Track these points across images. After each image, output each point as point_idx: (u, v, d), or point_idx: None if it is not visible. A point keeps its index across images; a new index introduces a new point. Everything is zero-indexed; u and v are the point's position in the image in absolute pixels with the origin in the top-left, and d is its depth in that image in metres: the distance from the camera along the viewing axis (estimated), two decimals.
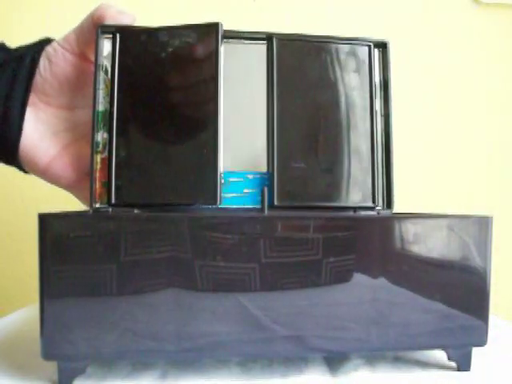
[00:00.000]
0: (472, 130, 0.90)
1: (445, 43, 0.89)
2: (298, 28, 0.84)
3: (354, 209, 0.46)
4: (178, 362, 0.38)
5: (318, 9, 0.86)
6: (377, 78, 0.49)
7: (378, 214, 0.47)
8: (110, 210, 0.42)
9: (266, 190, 0.41)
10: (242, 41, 0.46)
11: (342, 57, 0.47)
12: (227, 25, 0.44)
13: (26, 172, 0.47)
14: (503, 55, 0.90)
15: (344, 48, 0.47)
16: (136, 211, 0.42)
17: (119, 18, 0.43)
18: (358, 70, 0.47)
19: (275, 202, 0.44)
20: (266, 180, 0.45)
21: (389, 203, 0.47)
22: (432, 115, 0.89)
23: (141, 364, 0.37)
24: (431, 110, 0.89)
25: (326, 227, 0.35)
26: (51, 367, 0.35)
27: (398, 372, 0.37)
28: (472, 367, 0.38)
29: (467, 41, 0.89)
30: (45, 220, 0.32)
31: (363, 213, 0.47)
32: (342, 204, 0.45)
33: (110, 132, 0.42)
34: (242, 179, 0.45)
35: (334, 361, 0.39)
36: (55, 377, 0.34)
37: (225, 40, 0.44)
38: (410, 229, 0.36)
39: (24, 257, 0.79)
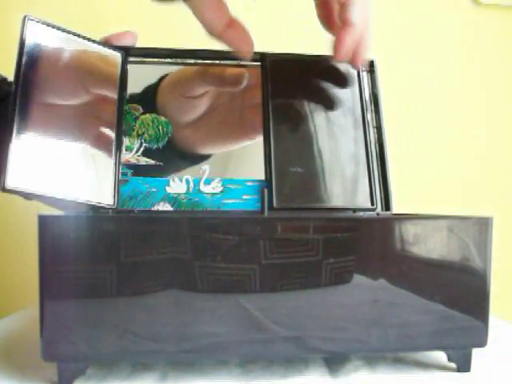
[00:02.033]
0: (472, 129, 0.90)
1: (445, 43, 0.89)
2: (298, 27, 0.84)
3: (354, 210, 0.47)
4: (178, 362, 0.38)
5: None
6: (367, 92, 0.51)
7: (378, 214, 0.47)
8: (110, 211, 0.42)
9: (265, 191, 0.42)
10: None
11: (333, 72, 0.50)
12: None
13: None
14: (503, 55, 0.90)
15: (334, 65, 0.49)
16: (136, 212, 0.42)
17: (121, 37, 0.46)
18: (348, 85, 0.50)
19: (274, 205, 0.44)
20: (265, 186, 0.46)
21: (387, 208, 0.48)
22: (432, 115, 0.89)
23: (141, 365, 0.37)
24: (431, 110, 0.89)
25: (325, 228, 0.35)
26: (51, 368, 0.35)
27: (398, 373, 0.37)
28: (472, 368, 0.38)
29: (467, 41, 0.89)
30: (45, 221, 0.32)
31: (363, 214, 0.47)
32: (342, 205, 0.46)
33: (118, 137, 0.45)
34: (241, 186, 0.46)
35: (334, 362, 0.39)
36: (55, 378, 0.33)
37: (218, 61, 0.49)
38: (409, 230, 0.36)
39: (24, 257, 0.79)
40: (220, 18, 0.38)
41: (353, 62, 0.43)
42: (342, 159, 0.48)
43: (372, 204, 0.47)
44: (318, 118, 0.48)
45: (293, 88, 0.48)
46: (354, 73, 0.50)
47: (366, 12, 0.42)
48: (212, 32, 0.39)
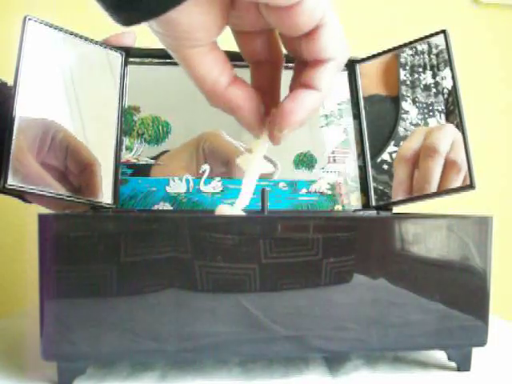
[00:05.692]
0: (472, 129, 0.90)
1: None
2: None
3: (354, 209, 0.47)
4: (178, 362, 0.38)
5: None
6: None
7: (378, 214, 0.47)
8: (110, 210, 0.42)
9: (266, 190, 0.42)
10: None
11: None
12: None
13: None
14: (503, 55, 0.90)
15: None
16: (136, 211, 0.42)
17: (120, 38, 0.46)
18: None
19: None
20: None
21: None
22: None
23: (141, 364, 0.37)
24: None
25: (325, 227, 0.35)
26: (51, 368, 0.35)
27: (398, 372, 0.37)
28: (472, 367, 0.38)
29: (467, 41, 0.89)
30: (45, 220, 0.32)
31: (362, 213, 0.47)
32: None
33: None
34: (241, 186, 0.46)
35: (334, 361, 0.39)
36: (55, 377, 0.33)
37: None
38: (409, 229, 0.36)
39: (24, 257, 0.79)
40: (221, 72, 0.30)
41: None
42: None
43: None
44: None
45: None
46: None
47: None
48: (206, 89, 0.30)
